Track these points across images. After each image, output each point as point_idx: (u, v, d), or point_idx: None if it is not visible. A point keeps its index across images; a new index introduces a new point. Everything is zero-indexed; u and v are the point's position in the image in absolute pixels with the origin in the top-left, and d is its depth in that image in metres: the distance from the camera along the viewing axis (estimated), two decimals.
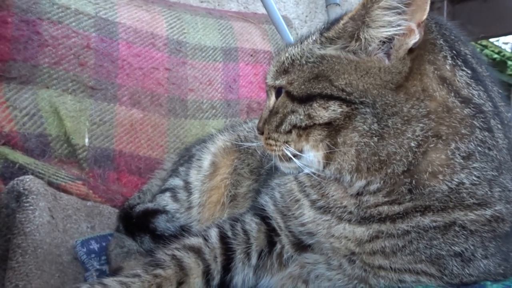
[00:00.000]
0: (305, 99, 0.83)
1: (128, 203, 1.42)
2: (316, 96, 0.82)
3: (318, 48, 0.86)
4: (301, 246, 0.99)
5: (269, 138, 0.93)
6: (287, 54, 0.92)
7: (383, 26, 0.78)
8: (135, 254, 1.19)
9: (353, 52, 0.81)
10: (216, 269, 0.97)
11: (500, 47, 6.52)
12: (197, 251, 0.97)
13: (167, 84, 1.94)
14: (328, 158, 0.84)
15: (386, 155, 0.79)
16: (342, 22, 0.83)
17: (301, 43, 0.92)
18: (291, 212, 0.98)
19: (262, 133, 0.98)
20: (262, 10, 2.39)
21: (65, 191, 1.47)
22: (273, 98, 0.95)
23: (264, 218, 1.04)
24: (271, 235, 1.03)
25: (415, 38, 0.77)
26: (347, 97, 0.79)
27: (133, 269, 0.95)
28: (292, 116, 0.86)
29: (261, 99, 2.22)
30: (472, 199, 0.79)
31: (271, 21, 2.29)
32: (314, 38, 0.89)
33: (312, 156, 0.86)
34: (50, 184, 1.43)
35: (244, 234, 1.02)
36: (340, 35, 0.83)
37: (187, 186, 1.36)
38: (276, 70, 0.93)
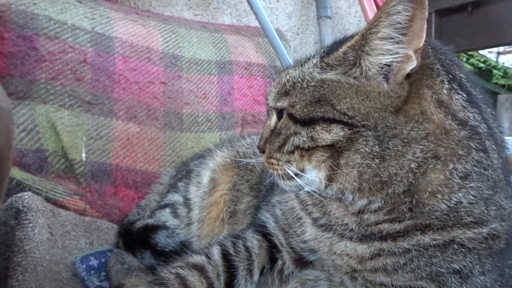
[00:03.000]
0: (308, 122, 0.85)
1: (128, 219, 1.42)
2: (319, 120, 0.84)
3: (318, 73, 0.88)
4: (302, 262, 1.00)
5: (271, 157, 0.95)
6: (288, 77, 0.94)
7: (382, 54, 0.81)
8: (136, 270, 1.19)
9: (353, 77, 0.84)
10: (219, 286, 0.98)
11: (486, 56, 6.67)
12: (200, 269, 0.98)
13: (163, 98, 1.94)
14: (330, 178, 0.85)
15: (388, 176, 0.81)
16: (341, 50, 0.85)
17: (302, 66, 0.93)
18: (292, 230, 0.99)
19: (263, 152, 0.99)
20: (255, 23, 2.41)
21: (62, 206, 1.46)
22: (274, 118, 0.97)
23: (265, 235, 1.06)
24: (272, 251, 1.04)
25: (412, 64, 0.80)
26: (349, 121, 0.81)
27: (136, 287, 0.96)
28: (295, 138, 0.87)
29: (255, 111, 2.24)
30: (470, 217, 0.82)
31: (264, 34, 2.31)
32: (314, 62, 0.91)
33: (314, 175, 0.87)
34: (47, 199, 1.42)
35: (246, 251, 1.03)
36: (340, 62, 0.85)
37: (186, 202, 1.37)
38: (278, 92, 0.95)
